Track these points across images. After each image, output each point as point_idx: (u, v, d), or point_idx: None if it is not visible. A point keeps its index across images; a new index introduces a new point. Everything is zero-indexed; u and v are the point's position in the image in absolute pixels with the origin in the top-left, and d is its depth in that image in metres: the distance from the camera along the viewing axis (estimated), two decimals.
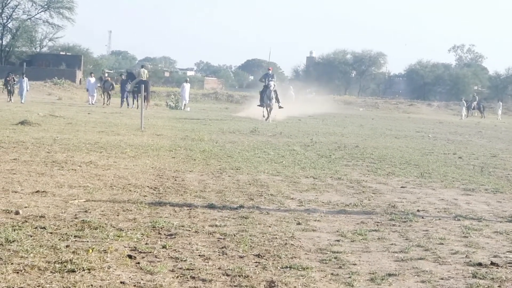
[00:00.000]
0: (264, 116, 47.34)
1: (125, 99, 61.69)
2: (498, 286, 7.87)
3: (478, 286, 7.79)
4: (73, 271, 7.51)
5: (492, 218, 12.39)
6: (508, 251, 9.73)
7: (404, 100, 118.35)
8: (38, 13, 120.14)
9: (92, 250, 8.44)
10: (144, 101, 43.26)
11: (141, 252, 8.59)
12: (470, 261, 9.03)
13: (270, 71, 50.11)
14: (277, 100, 47.92)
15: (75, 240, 9.01)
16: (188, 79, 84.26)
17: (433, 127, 50.02)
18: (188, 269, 7.96)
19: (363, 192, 14.85)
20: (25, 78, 61.92)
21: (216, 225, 10.50)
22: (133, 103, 60.89)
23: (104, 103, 64.00)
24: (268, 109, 47.52)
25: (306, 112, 59.14)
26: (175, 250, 8.85)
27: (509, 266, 8.82)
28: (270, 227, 10.63)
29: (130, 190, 13.40)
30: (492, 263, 8.91)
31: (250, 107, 58.65)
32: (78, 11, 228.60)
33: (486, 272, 8.44)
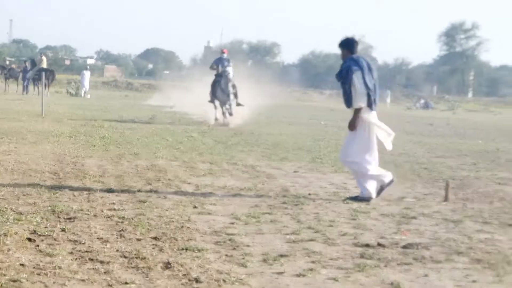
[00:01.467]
0: (216, 118, 32.84)
1: (26, 86, 61.20)
2: (384, 266, 8.00)
3: (365, 266, 7.91)
4: None
5: (379, 201, 12.55)
6: (393, 233, 9.88)
7: (298, 89, 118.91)
8: None
9: None
10: (45, 88, 42.83)
11: (40, 235, 8.53)
12: (358, 242, 9.17)
13: (225, 55, 34.06)
14: (235, 95, 33.08)
15: None
16: (88, 67, 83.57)
17: (325, 115, 50.34)
18: (86, 251, 7.94)
19: (258, 176, 14.92)
20: None
21: (115, 209, 10.47)
22: (34, 90, 60.25)
23: (5, 90, 63.05)
24: (225, 107, 32.71)
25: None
26: (74, 233, 8.80)
27: (394, 246, 8.97)
28: (167, 210, 10.63)
29: (31, 175, 13.27)
30: (378, 244, 9.05)
31: (157, 95, 58.42)
32: None
33: (373, 253, 8.57)
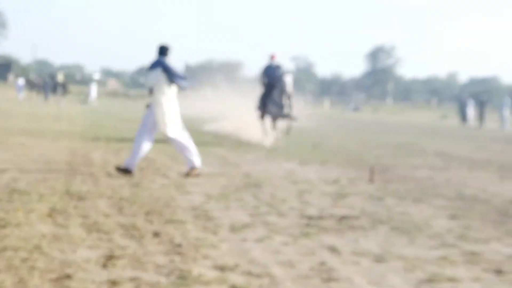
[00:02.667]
0: (266, 136, 21.44)
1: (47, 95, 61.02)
2: (324, 233, 8.01)
3: (309, 233, 7.92)
4: (5, 226, 7.39)
5: (320, 182, 12.57)
6: (330, 207, 9.90)
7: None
8: None
9: (20, 210, 8.30)
10: (60, 97, 42.71)
11: (57, 211, 8.45)
12: (304, 214, 9.17)
13: (275, 60, 21.78)
14: (291, 108, 21.59)
15: (7, 203, 8.83)
16: (95, 80, 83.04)
17: None
18: (93, 223, 7.89)
19: (226, 164, 14.89)
20: None
21: (115, 190, 10.41)
22: (52, 99, 60.03)
23: (30, 99, 62.70)
24: (277, 120, 21.81)
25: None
26: (84, 209, 8.75)
27: (331, 218, 8.98)
28: (155, 191, 10.59)
29: (50, 164, 13.16)
30: (320, 216, 9.06)
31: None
32: (11, 29, 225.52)
33: (315, 223, 8.58)
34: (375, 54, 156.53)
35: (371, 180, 12.97)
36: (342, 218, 9.00)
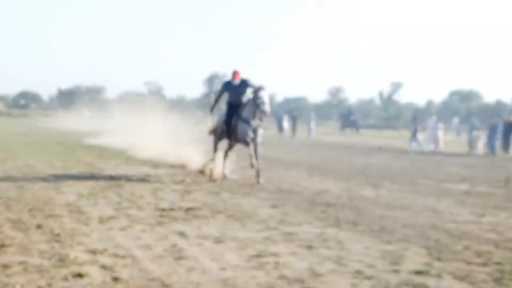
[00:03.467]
0: (225, 174, 13.58)
1: None
2: (175, 221, 8.08)
3: (163, 222, 7.99)
4: None
5: (171, 182, 12.60)
6: (179, 201, 9.97)
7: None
8: None
9: None
10: None
11: None
12: (158, 207, 9.20)
13: (237, 80, 13.08)
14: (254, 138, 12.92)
15: None
16: None
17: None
18: None
19: (94, 168, 14.63)
20: None
21: (3, 192, 10.07)
22: None
23: None
24: (252, 154, 12.96)
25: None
26: None
27: (180, 209, 9.06)
28: (37, 192, 10.32)
29: None
30: (170, 208, 9.12)
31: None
32: None
33: (167, 214, 8.64)
34: (211, 80, 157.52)
35: (210, 180, 13.13)
36: (188, 209, 9.11)
